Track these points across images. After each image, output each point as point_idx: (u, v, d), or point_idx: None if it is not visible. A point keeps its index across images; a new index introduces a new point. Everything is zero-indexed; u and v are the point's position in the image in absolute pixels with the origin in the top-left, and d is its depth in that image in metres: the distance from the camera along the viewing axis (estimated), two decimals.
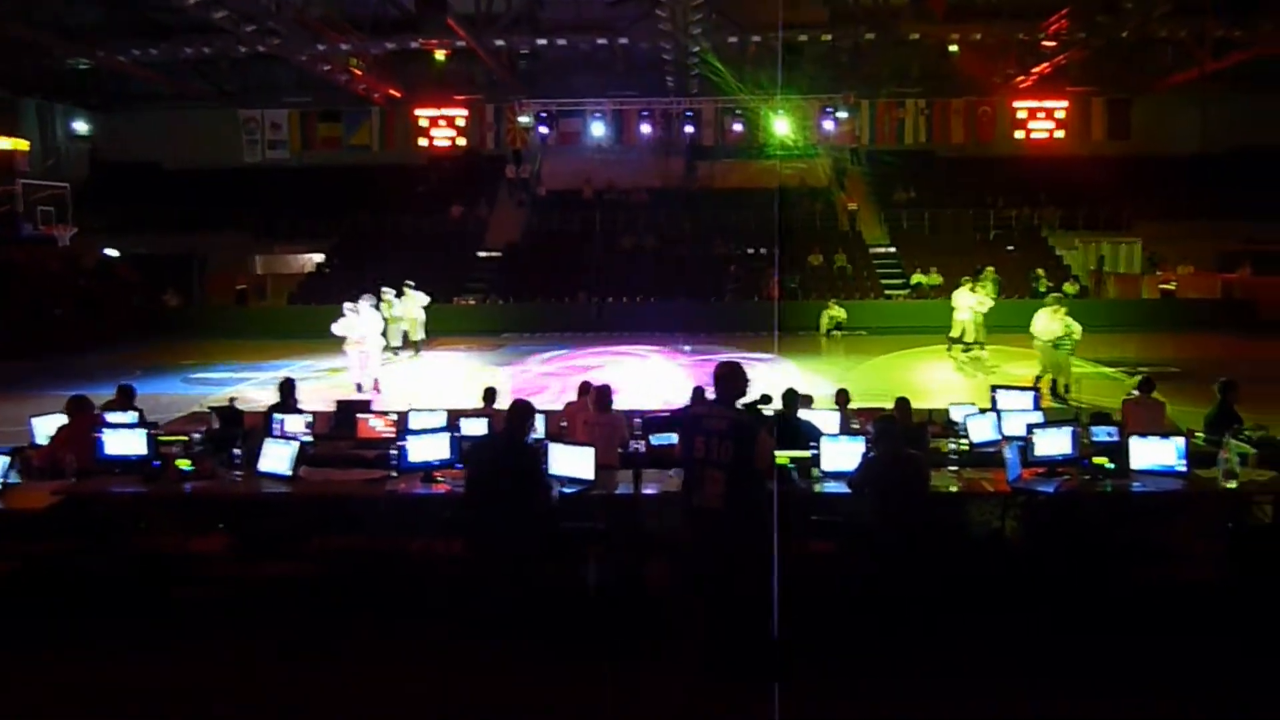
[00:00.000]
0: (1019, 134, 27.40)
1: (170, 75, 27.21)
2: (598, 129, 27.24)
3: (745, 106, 26.60)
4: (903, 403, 8.54)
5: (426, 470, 7.02)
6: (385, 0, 23.26)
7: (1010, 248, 28.32)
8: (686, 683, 5.31)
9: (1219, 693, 5.25)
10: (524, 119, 27.05)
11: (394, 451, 7.17)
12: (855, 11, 23.44)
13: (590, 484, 6.87)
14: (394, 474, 7.09)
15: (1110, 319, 23.05)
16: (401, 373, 18.38)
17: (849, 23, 23.76)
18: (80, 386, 10.59)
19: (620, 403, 9.02)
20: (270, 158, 29.09)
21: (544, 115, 26.99)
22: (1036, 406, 9.37)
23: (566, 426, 9.00)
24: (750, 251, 28.62)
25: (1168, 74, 25.99)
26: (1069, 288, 24.95)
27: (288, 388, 9.61)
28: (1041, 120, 27.12)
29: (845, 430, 8.17)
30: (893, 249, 29.18)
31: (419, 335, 20.58)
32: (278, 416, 8.86)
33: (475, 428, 8.23)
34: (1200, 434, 8.44)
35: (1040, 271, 25.93)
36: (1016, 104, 27.16)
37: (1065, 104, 27.12)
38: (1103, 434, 7.84)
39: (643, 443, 8.48)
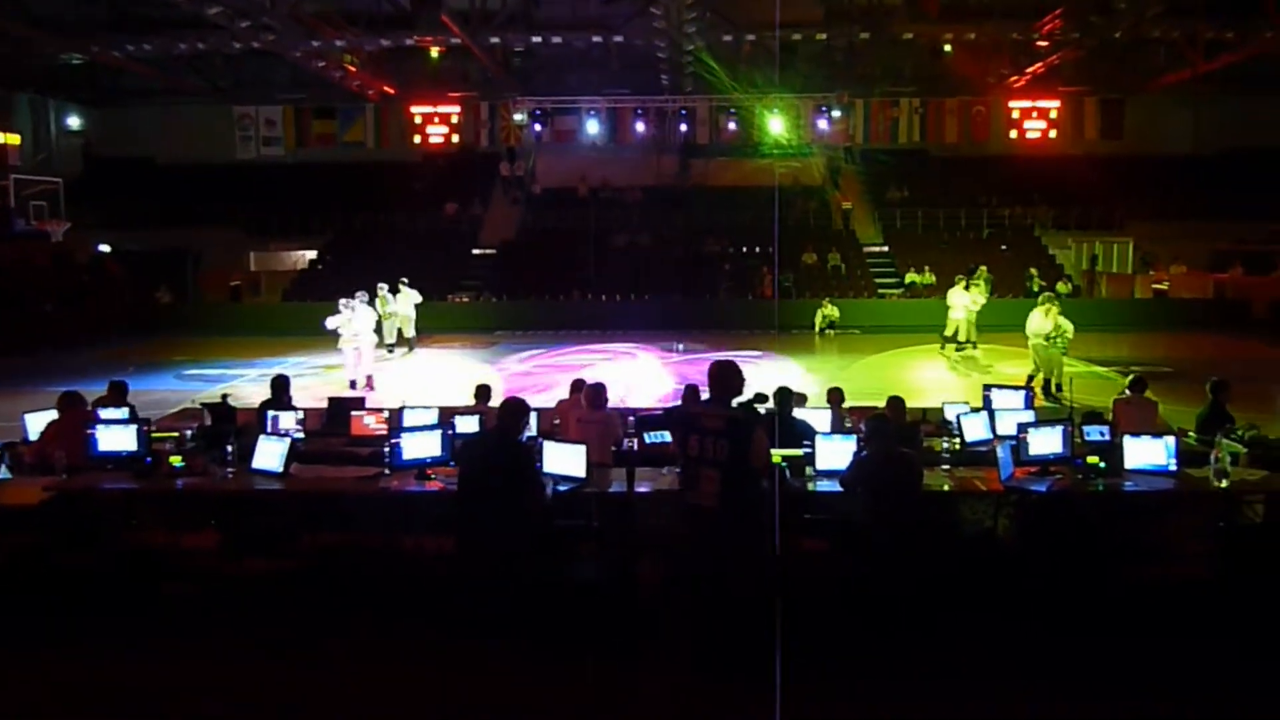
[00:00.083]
0: (1012, 134, 27.47)
1: (164, 71, 27.11)
2: (592, 127, 27.22)
3: (740, 105, 26.61)
4: (896, 401, 8.54)
5: (419, 468, 7.02)
6: None
7: (1003, 247, 28.38)
8: (679, 681, 5.32)
9: (1211, 691, 5.26)
10: (519, 116, 27.03)
11: (387, 449, 7.16)
12: (850, 10, 23.44)
13: (582, 482, 6.86)
14: (387, 471, 7.08)
15: (1103, 318, 23.11)
16: (395, 370, 18.36)
17: (843, 22, 23.78)
18: (73, 382, 10.53)
19: (614, 400, 9.01)
20: (264, 154, 29.03)
21: (539, 113, 26.97)
22: (1029, 406, 9.39)
23: (559, 424, 8.99)
24: (744, 250, 28.65)
25: (1160, 75, 26.06)
26: (1062, 287, 25.01)
27: (281, 384, 9.59)
28: (1035, 120, 27.19)
29: (839, 429, 8.18)
30: (886, 248, 29.24)
31: (410, 332, 20.61)
32: (271, 413, 8.85)
33: (468, 425, 8.22)
34: (1192, 433, 8.46)
35: (1033, 271, 26.02)
36: (1010, 104, 27.22)
37: (1058, 104, 27.18)
38: (1095, 433, 7.85)
39: (636, 441, 8.48)
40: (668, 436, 7.79)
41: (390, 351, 19.92)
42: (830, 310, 23.80)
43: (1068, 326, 14.44)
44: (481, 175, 32.40)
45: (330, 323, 15.68)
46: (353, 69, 24.99)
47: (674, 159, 31.73)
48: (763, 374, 16.42)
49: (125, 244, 29.29)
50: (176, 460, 7.21)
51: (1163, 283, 26.30)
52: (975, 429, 8.03)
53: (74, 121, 33.54)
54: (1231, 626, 6.01)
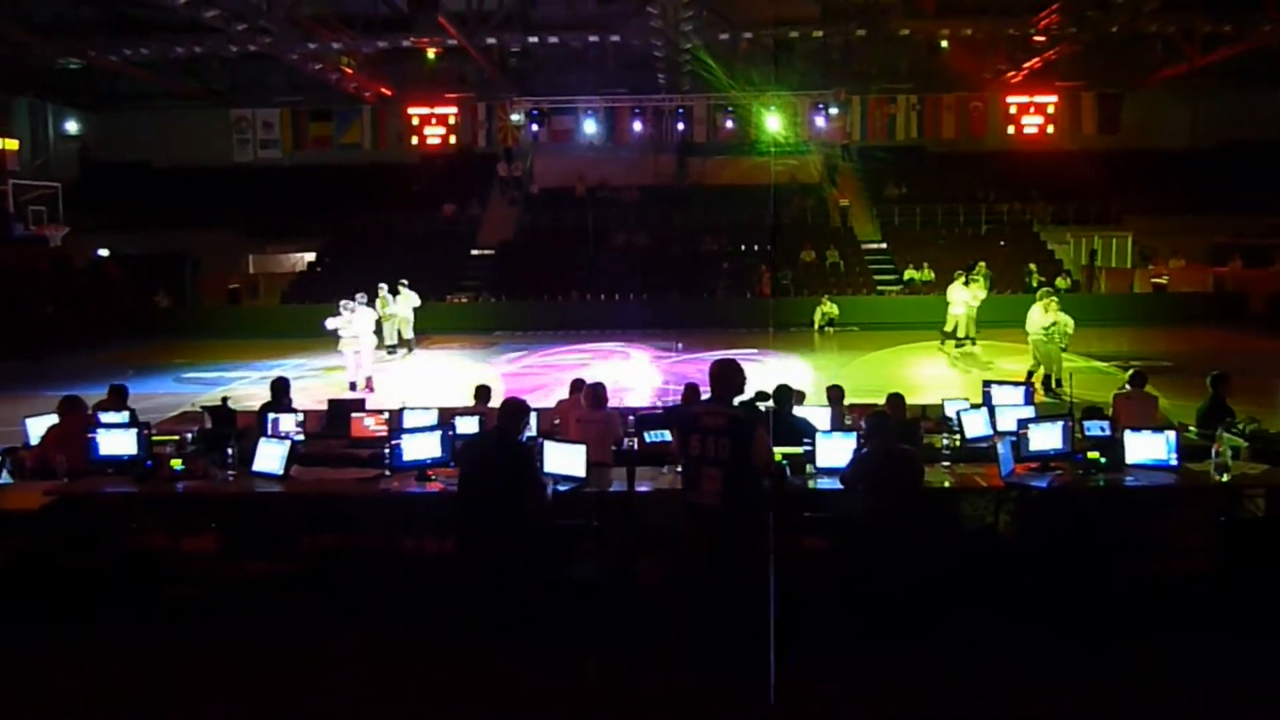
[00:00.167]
0: (1010, 129, 27.55)
1: (161, 74, 27.13)
2: (589, 126, 27.26)
3: (737, 103, 26.65)
4: (895, 398, 8.53)
5: (420, 469, 7.01)
6: None
7: (1002, 243, 28.36)
8: (678, 680, 5.31)
9: (1213, 686, 5.26)
10: (516, 117, 27.06)
11: (387, 450, 7.15)
12: (846, 8, 23.45)
13: (582, 481, 6.86)
14: (387, 473, 7.07)
15: (1102, 313, 23.12)
16: (394, 371, 18.36)
17: (840, 19, 23.79)
18: (72, 386, 10.57)
19: (612, 400, 9.01)
20: (262, 157, 29.11)
21: (536, 113, 27.00)
22: (1029, 401, 9.39)
23: (559, 424, 8.99)
24: (742, 248, 28.66)
25: (1157, 69, 26.10)
26: (1061, 282, 25.00)
27: (281, 387, 9.59)
28: (1032, 115, 27.25)
29: (839, 426, 8.17)
30: (885, 245, 29.23)
31: (409, 334, 20.64)
32: (271, 415, 8.85)
33: (469, 426, 8.21)
34: (1193, 428, 8.46)
35: (1032, 266, 25.99)
36: (1007, 99, 27.26)
37: (1055, 99, 27.22)
38: (1095, 428, 7.83)
39: (636, 440, 8.47)
40: (668, 435, 7.78)
41: (390, 353, 19.94)
42: (829, 308, 23.79)
43: (1068, 321, 14.43)
44: (479, 176, 32.42)
45: (330, 324, 15.70)
46: (349, 71, 25.01)
47: (671, 158, 31.75)
48: (766, 373, 16.41)
49: (124, 248, 29.27)
50: (177, 463, 7.20)
51: (1162, 277, 26.30)
52: (975, 425, 8.02)
53: (72, 126, 33.57)
54: (1233, 621, 6.00)
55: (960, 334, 19.24)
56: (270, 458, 7.20)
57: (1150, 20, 22.52)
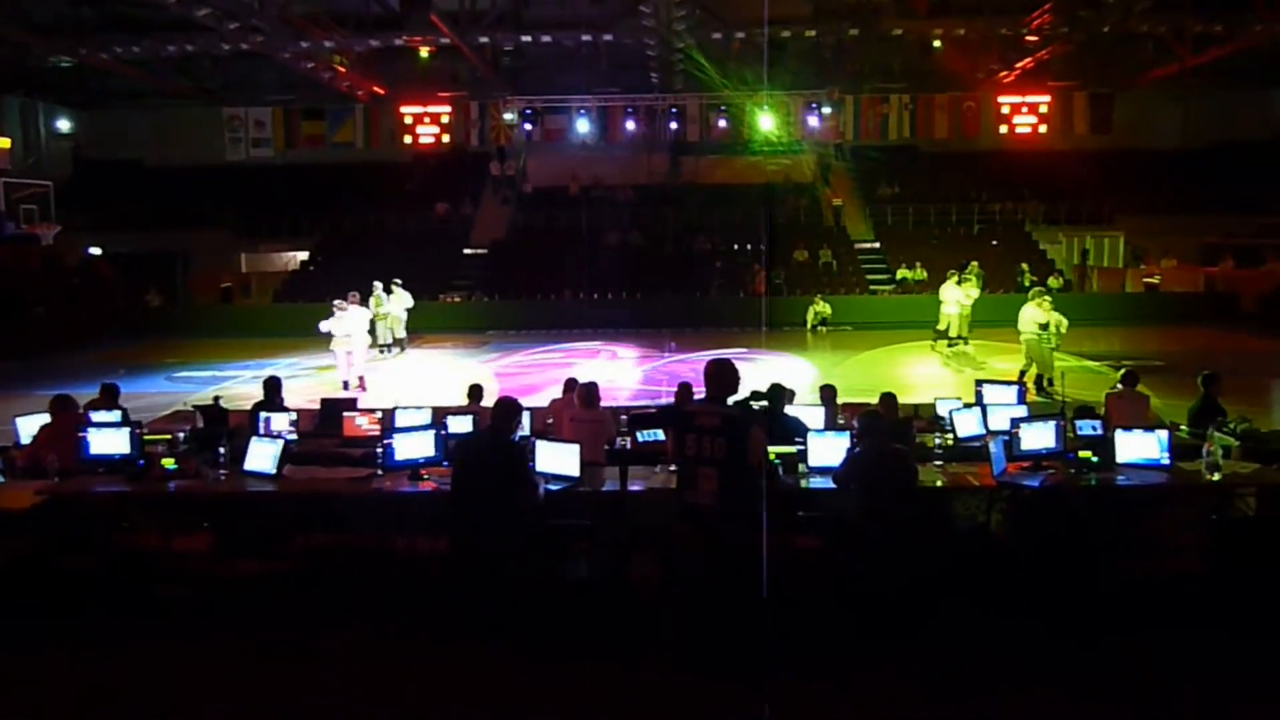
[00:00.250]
0: (1002, 129, 27.64)
1: (153, 73, 27.02)
2: (582, 125, 27.24)
3: (730, 103, 26.67)
4: (888, 398, 8.54)
5: (412, 468, 7.00)
6: None
7: (994, 242, 28.43)
8: (672, 679, 5.32)
9: (1204, 684, 5.28)
10: (509, 116, 27.02)
11: (379, 449, 7.14)
12: (839, 7, 23.51)
13: (576, 480, 6.86)
14: (379, 472, 7.07)
15: (1094, 312, 23.16)
16: (387, 370, 18.34)
17: (833, 19, 23.85)
18: (64, 386, 10.54)
19: (605, 399, 9.00)
20: (254, 155, 29.05)
21: (529, 112, 26.96)
22: (1021, 401, 9.40)
23: (552, 423, 8.98)
24: (735, 248, 28.66)
25: (1149, 69, 26.17)
26: (1053, 282, 25.01)
27: (273, 386, 9.57)
28: (1024, 115, 27.35)
29: (831, 425, 8.18)
30: (877, 244, 29.28)
31: (401, 333, 20.63)
32: (263, 414, 8.83)
33: (461, 425, 8.21)
34: (1184, 427, 8.49)
35: (1024, 266, 26.07)
36: (1000, 99, 27.32)
37: (1048, 99, 27.31)
38: (1087, 428, 7.87)
39: (629, 439, 8.47)
40: (661, 434, 7.78)
41: (383, 352, 19.93)
42: (822, 307, 23.82)
43: (1062, 320, 14.48)
44: (472, 175, 32.37)
45: (324, 326, 15.69)
46: (342, 70, 24.95)
47: (664, 157, 31.72)
48: (759, 372, 16.42)
49: (115, 246, 29.12)
50: (169, 462, 7.19)
51: (1153, 277, 26.38)
52: (968, 424, 8.03)
53: (63, 124, 33.41)
54: (1224, 619, 6.02)
55: (953, 333, 19.28)
56: (262, 457, 7.18)
57: (1141, 20, 22.62)
